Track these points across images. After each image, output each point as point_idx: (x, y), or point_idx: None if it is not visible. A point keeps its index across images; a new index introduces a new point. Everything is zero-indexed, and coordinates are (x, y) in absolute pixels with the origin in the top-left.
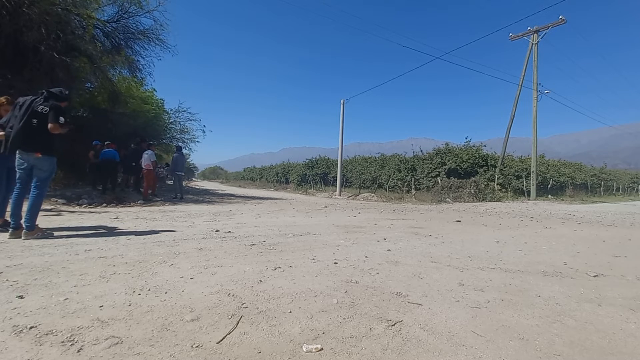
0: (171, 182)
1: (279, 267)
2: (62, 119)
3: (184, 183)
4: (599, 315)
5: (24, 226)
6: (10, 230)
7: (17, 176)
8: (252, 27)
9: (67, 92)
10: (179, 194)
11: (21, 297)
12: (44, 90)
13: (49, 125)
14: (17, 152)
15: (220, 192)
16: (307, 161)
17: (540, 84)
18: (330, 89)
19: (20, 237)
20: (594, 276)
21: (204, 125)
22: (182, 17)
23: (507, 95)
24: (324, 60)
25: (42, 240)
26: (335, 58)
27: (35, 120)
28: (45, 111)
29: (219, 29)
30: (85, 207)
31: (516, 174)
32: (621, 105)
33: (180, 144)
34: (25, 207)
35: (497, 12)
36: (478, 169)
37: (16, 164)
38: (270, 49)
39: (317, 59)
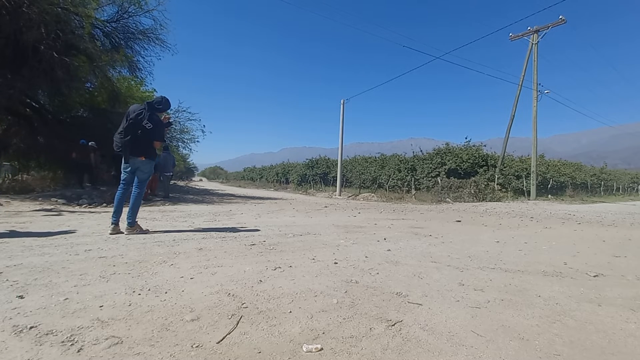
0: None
1: (279, 267)
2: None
3: (182, 183)
4: (599, 315)
5: (126, 222)
6: (112, 226)
7: (122, 177)
8: (243, 15)
9: (160, 106)
10: (165, 192)
11: (21, 297)
12: (145, 104)
13: (155, 143)
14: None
15: (220, 192)
16: (307, 161)
17: (540, 84)
18: (331, 88)
19: (121, 233)
20: (594, 276)
21: (204, 126)
22: (178, 7)
23: (507, 95)
24: (324, 56)
25: (42, 240)
26: (336, 55)
27: (139, 132)
28: (149, 127)
29: (218, 20)
30: (85, 207)
31: (516, 174)
32: (621, 105)
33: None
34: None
35: (497, 11)
36: (478, 169)
37: (122, 167)
38: (270, 41)
39: (318, 54)
